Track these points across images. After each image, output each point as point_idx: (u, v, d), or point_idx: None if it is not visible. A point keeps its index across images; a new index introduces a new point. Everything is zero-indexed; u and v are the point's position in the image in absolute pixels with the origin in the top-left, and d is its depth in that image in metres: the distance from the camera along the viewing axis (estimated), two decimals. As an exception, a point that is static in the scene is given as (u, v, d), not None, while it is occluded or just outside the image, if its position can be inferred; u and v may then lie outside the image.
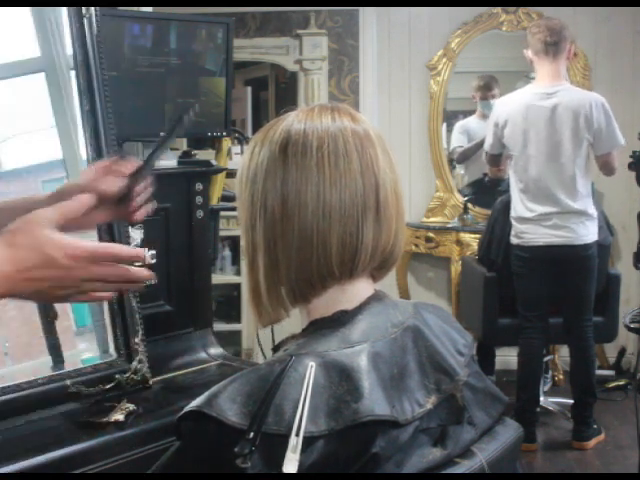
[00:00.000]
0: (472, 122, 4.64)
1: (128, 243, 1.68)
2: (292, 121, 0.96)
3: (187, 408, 0.87)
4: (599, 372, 3.85)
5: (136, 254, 0.94)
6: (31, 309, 1.58)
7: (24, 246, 0.85)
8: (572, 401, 3.47)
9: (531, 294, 3.35)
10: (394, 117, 4.60)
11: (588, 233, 3.23)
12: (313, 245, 0.92)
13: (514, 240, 3.34)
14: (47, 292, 0.88)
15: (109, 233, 1.67)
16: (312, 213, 0.92)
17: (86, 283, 0.89)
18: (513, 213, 3.36)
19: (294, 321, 1.02)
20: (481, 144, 4.06)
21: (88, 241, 0.89)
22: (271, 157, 0.94)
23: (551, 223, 3.22)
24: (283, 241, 0.93)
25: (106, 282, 0.91)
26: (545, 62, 3.21)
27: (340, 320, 0.94)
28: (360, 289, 0.97)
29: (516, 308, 3.45)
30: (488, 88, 4.53)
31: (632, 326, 2.61)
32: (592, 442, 3.40)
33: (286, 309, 0.98)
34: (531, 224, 3.26)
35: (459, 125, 4.70)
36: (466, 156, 4.62)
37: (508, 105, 3.31)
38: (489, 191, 4.47)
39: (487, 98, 4.50)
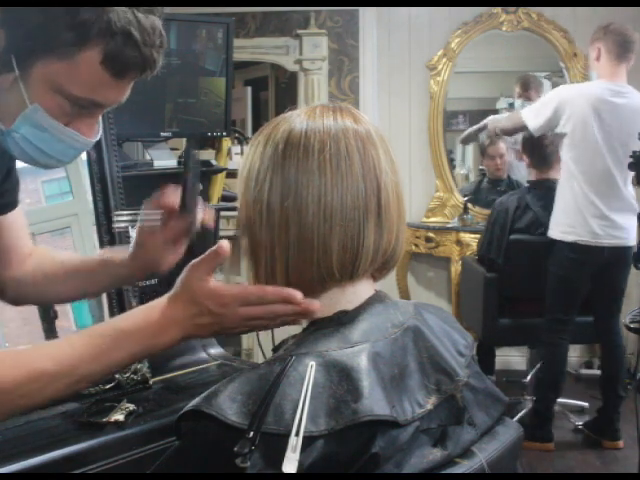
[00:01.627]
0: None
1: (128, 242, 1.68)
2: (293, 122, 0.95)
3: (187, 408, 0.87)
4: (599, 372, 3.85)
5: (282, 296, 0.92)
6: (31, 309, 1.58)
7: (184, 300, 0.94)
8: (597, 402, 3.49)
9: (575, 296, 3.33)
10: (394, 117, 4.60)
11: (636, 233, 3.23)
12: (314, 248, 0.92)
13: (568, 237, 3.26)
14: (222, 332, 0.96)
15: (109, 232, 1.67)
16: (313, 216, 0.91)
17: (249, 322, 0.94)
18: (573, 206, 3.26)
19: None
20: (482, 128, 4.07)
21: (235, 286, 0.95)
22: (272, 158, 0.94)
23: (613, 222, 3.20)
24: (283, 243, 0.93)
25: (270, 319, 0.94)
26: (616, 63, 3.26)
27: (340, 320, 0.93)
28: (361, 290, 0.97)
29: (516, 308, 3.46)
30: (525, 89, 4.50)
31: (632, 326, 2.62)
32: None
33: None
34: (595, 222, 3.22)
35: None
36: (469, 138, 4.57)
37: (576, 95, 3.28)
38: (489, 191, 4.48)
39: (522, 97, 4.48)
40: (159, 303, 0.96)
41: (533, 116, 3.38)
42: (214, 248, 0.95)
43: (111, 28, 0.92)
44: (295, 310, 0.92)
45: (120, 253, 1.30)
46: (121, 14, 0.93)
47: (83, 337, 0.95)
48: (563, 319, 3.33)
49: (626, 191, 3.23)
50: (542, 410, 3.36)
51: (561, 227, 3.30)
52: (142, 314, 0.96)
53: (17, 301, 1.38)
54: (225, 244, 0.94)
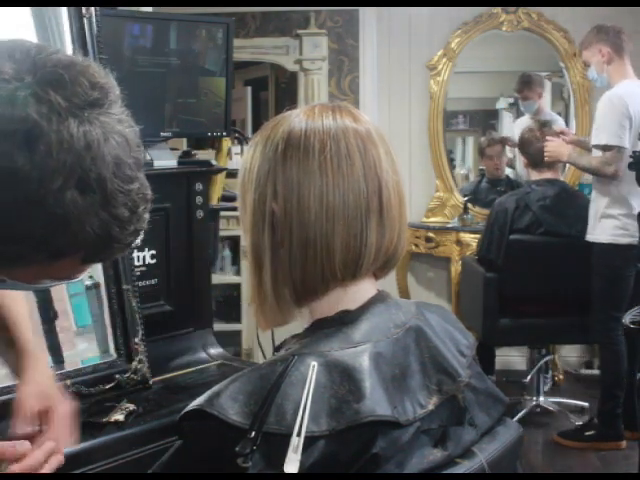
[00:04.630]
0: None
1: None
2: (292, 122, 0.95)
3: (188, 407, 0.87)
4: (598, 372, 3.86)
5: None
6: (31, 309, 1.58)
7: None
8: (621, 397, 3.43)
9: (628, 291, 3.32)
10: (394, 117, 4.60)
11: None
12: (317, 248, 0.92)
13: (622, 240, 3.23)
14: None
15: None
16: (315, 216, 0.91)
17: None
18: (623, 206, 3.23)
19: (295, 321, 1.02)
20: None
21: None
22: (272, 159, 0.93)
23: None
24: (286, 244, 0.93)
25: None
26: (625, 60, 3.33)
27: (342, 320, 0.93)
28: (363, 289, 0.97)
29: (516, 308, 3.46)
30: (518, 90, 4.47)
31: (632, 326, 2.62)
32: None
33: (290, 311, 0.97)
34: None
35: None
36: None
37: (632, 98, 3.24)
38: (489, 191, 4.48)
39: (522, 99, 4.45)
40: None
41: (618, 131, 3.19)
42: None
43: (89, 239, 0.81)
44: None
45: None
46: (103, 219, 0.80)
47: None
48: (617, 316, 3.29)
49: None
50: (611, 410, 3.31)
51: (611, 230, 3.25)
52: None
53: None
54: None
